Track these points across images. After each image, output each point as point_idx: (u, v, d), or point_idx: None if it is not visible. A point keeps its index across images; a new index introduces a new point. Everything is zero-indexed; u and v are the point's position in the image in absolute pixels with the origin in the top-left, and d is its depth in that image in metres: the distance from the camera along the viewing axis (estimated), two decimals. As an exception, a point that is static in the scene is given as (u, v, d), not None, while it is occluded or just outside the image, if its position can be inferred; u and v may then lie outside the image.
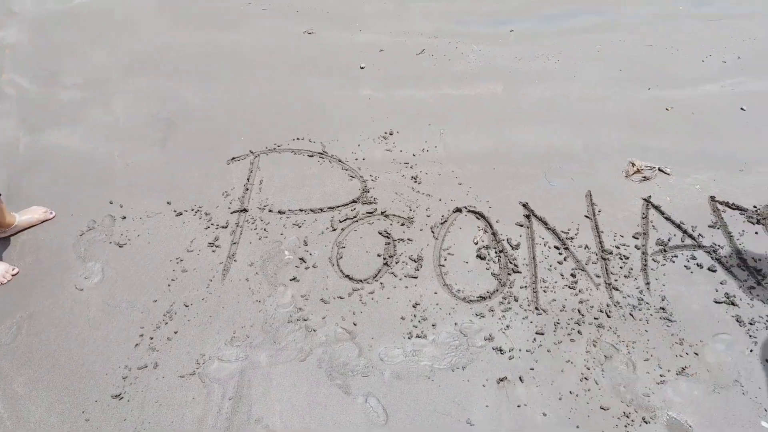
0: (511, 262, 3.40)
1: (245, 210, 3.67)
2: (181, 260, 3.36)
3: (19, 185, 3.88)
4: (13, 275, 3.24)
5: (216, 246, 3.45)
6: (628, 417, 2.70)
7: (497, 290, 3.25)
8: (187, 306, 3.11)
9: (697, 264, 3.40)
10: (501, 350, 2.95)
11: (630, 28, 5.71)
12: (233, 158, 4.07)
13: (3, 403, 2.70)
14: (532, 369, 2.88)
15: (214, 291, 3.20)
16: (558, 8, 6.01)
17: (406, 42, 5.39)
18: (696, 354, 2.95)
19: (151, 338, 2.96)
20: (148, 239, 3.48)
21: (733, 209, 3.76)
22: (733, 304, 3.18)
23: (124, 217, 3.62)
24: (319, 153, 4.11)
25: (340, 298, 3.18)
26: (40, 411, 2.67)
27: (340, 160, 4.06)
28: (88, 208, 3.69)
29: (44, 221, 3.57)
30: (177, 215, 3.64)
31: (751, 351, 2.97)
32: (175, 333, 2.99)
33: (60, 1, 6.04)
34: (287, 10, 5.87)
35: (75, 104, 4.61)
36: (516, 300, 3.19)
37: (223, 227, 3.56)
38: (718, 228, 3.63)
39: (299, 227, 3.57)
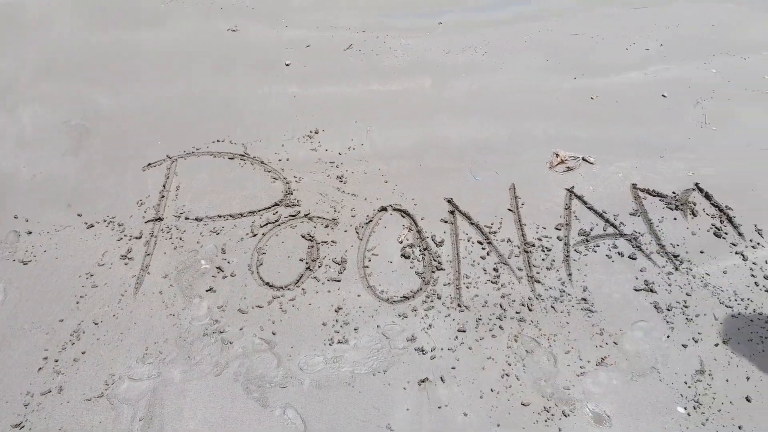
0: (435, 260, 3.36)
1: (160, 219, 3.53)
2: (92, 275, 3.20)
3: None
4: None
5: (129, 258, 3.30)
6: (548, 411, 2.69)
7: (421, 289, 3.21)
8: (96, 324, 2.97)
9: (618, 252, 3.44)
10: (423, 350, 2.91)
11: (557, 17, 5.75)
12: (149, 164, 3.91)
13: None
14: (453, 368, 2.85)
15: (126, 306, 3.06)
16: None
17: (334, 37, 5.30)
18: (615, 343, 2.97)
19: (56, 361, 2.81)
20: (55, 254, 3.31)
21: (654, 196, 3.82)
22: (651, 291, 3.22)
23: (30, 232, 3.43)
24: (240, 155, 3.99)
25: (259, 307, 3.08)
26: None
27: (262, 162, 3.95)
28: (-9, 223, 3.49)
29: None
30: (88, 227, 3.47)
31: (668, 337, 3.01)
32: (83, 353, 2.84)
33: (-35, 2, 5.74)
34: (210, 7, 5.69)
35: (-21, 113, 4.37)
36: (439, 298, 3.16)
37: (136, 238, 3.41)
38: (639, 215, 3.68)
39: (217, 234, 3.45)
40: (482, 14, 5.72)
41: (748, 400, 2.76)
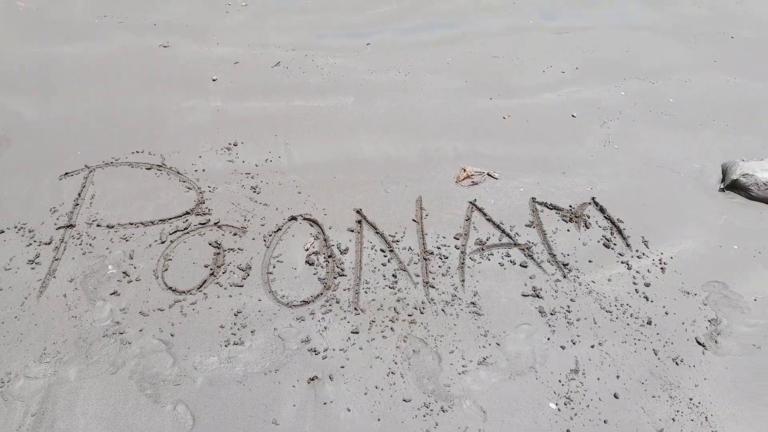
0: (338, 266, 3.53)
1: (72, 226, 3.63)
2: (-4, 279, 3.29)
3: None
4: None
5: (36, 263, 3.39)
6: (427, 407, 2.87)
7: (321, 294, 3.37)
8: (-4, 325, 3.05)
9: (511, 261, 3.66)
10: (316, 351, 3.06)
11: (481, 41, 6.04)
12: (66, 173, 4.00)
13: None
14: (342, 367, 3.00)
15: (29, 309, 3.14)
16: (416, 20, 6.29)
17: (263, 54, 5.48)
18: (498, 344, 3.17)
19: (-47, 360, 2.89)
20: (-39, 258, 3.39)
21: (551, 209, 4.06)
22: (538, 296, 3.45)
23: (-62, 237, 3.51)
24: (157, 165, 4.12)
25: (161, 310, 3.20)
26: None
27: (178, 172, 4.08)
28: None
29: None
30: (-3, 233, 3.55)
31: (548, 339, 3.22)
32: (-20, 353, 2.92)
33: None
34: (144, 24, 5.82)
35: None
36: (337, 302, 3.32)
37: (46, 244, 3.50)
38: (534, 227, 3.91)
39: (127, 241, 3.57)
40: (410, 36, 5.98)
41: (615, 396, 2.98)
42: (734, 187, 4.42)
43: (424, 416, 2.83)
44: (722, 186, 4.45)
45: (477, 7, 6.73)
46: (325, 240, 3.69)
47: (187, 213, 3.78)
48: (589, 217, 4.02)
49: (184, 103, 4.76)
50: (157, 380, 2.87)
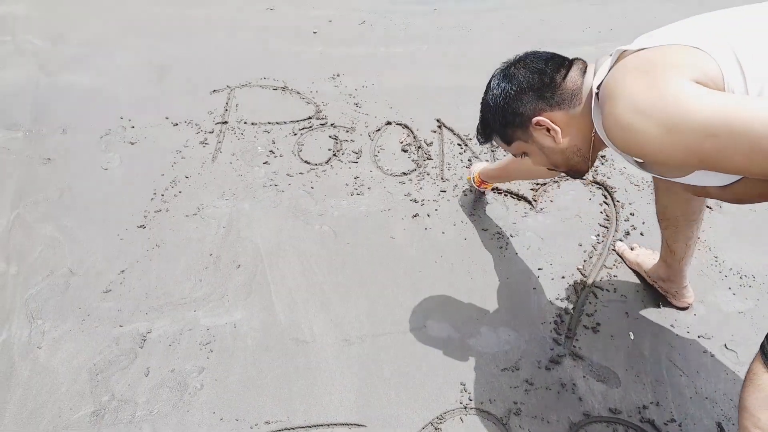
0: (425, 153, 4.64)
1: (225, 122, 4.83)
2: (180, 152, 4.48)
3: (44, 112, 4.93)
4: None
5: (206, 143, 4.58)
6: (500, 234, 3.94)
7: (415, 169, 4.48)
8: (187, 177, 4.24)
9: (560, 153, 4.71)
10: (416, 200, 4.17)
11: (530, 9, 7.14)
12: (214, 90, 5.22)
13: (59, 233, 3.78)
14: (436, 210, 4.10)
15: (207, 169, 4.33)
16: (473, -6, 7.44)
17: (351, 16, 6.67)
18: (552, 201, 4.23)
19: (162, 195, 4.07)
20: (153, 140, 4.60)
21: (591, 122, 5.11)
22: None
23: (133, 127, 4.73)
24: (281, 87, 5.31)
25: (301, 173, 4.35)
26: (85, 221, 3.77)
27: (298, 92, 5.26)
28: (103, 122, 4.78)
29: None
30: (174, 125, 4.77)
31: (590, 200, 4.27)
32: (180, 192, 4.11)
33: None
34: (251, -7, 7.10)
35: (81, 56, 5.70)
36: (428, 174, 4.43)
37: (209, 132, 4.71)
38: (578, 132, 4.96)
39: (268, 133, 4.74)
40: (468, 4, 7.11)
41: (641, 234, 4.00)
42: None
43: (498, 239, 3.91)
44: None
45: (525, -16, 7.85)
46: (414, 137, 4.81)
47: (310, 117, 4.94)
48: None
49: (294, 48, 5.96)
50: (306, 212, 4.02)
